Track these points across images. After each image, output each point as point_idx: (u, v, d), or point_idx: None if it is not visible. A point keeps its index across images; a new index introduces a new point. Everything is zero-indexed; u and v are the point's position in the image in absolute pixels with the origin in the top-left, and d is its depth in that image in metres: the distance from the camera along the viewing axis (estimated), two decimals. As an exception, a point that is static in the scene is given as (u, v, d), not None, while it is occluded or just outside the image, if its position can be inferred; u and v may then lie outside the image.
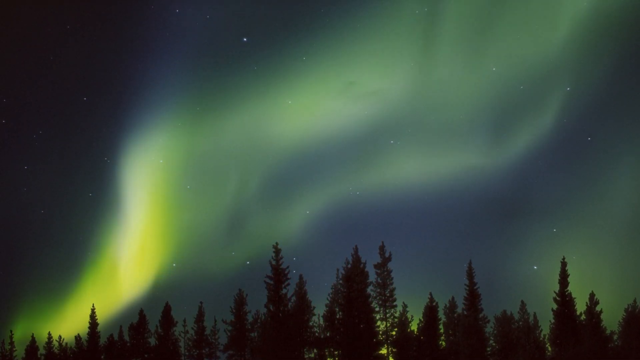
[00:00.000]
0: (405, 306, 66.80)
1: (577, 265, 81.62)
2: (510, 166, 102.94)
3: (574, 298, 64.16)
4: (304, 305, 64.35)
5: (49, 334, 77.96)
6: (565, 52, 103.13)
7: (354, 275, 63.40)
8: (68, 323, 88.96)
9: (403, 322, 66.11)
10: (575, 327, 63.40)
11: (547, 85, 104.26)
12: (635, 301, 67.66)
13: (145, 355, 70.80)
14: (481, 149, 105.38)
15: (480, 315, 66.75)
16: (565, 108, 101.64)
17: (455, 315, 68.83)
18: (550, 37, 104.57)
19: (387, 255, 65.71)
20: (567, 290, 64.09)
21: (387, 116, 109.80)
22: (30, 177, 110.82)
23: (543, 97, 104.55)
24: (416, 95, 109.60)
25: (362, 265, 63.99)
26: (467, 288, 67.22)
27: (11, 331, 77.26)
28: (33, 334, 78.65)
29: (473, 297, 66.89)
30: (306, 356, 65.00)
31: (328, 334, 64.14)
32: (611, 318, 67.29)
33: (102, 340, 73.26)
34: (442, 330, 67.69)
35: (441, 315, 68.14)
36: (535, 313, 69.52)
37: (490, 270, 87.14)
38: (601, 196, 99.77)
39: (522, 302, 69.82)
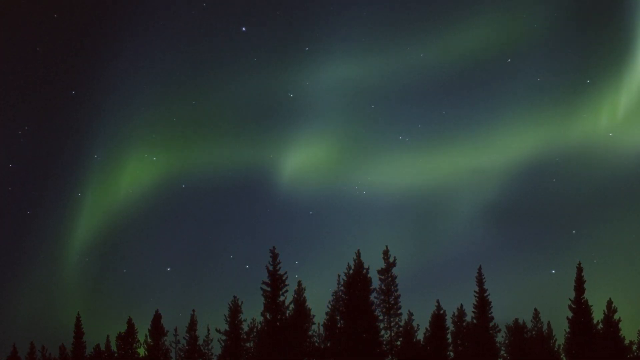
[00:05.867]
0: (410, 314, 66.64)
1: (597, 270, 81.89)
2: (525, 164, 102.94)
3: (591, 306, 64.01)
4: (303, 313, 64.28)
5: (32, 343, 78.53)
6: (585, 42, 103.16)
7: (356, 282, 63.37)
8: (52, 332, 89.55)
9: (408, 332, 65.89)
10: (591, 337, 63.19)
11: (565, 79, 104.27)
12: (656, 309, 67.78)
13: (134, 366, 71.13)
14: (493, 147, 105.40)
15: (491, 324, 66.56)
16: (584, 103, 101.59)
17: (464, 324, 68.62)
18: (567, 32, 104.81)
19: (391, 260, 65.51)
20: (584, 297, 63.83)
21: (395, 111, 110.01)
22: (16, 176, 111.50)
23: (561, 91, 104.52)
24: (426, 90, 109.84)
25: (364, 270, 63.82)
26: (477, 295, 66.98)
27: (-9, 340, 77.93)
28: (14, 343, 79.26)
29: (483, 304, 66.67)
30: (305, 367, 65.09)
31: (328, 344, 63.95)
32: (630, 327, 67.41)
33: (88, 351, 73.71)
34: (450, 340, 67.52)
35: (449, 324, 68.00)
36: (549, 322, 69.63)
37: (502, 276, 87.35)
38: (623, 195, 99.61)
39: (536, 310, 69.85)
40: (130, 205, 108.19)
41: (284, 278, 62.64)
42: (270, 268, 62.76)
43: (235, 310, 66.93)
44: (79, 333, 74.05)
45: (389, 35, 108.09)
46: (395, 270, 65.35)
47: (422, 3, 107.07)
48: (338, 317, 63.83)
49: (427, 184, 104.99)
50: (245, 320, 66.69)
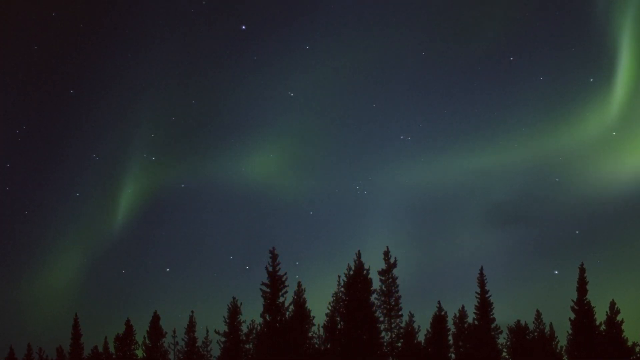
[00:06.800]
0: (411, 316, 66.50)
1: (600, 271, 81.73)
2: (528, 164, 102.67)
3: (594, 307, 63.98)
4: (302, 314, 64.14)
5: (29, 345, 78.39)
6: (591, 43, 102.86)
7: (356, 283, 63.28)
8: (49, 333, 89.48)
9: (409, 333, 65.84)
10: (594, 338, 63.15)
11: (568, 77, 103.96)
12: (659, 310, 67.66)
13: (132, 368, 71.04)
14: (495, 146, 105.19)
15: (493, 325, 66.56)
16: (587, 102, 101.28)
17: (466, 325, 68.33)
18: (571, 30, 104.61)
19: (392, 261, 65.41)
20: (586, 299, 63.82)
21: (396, 110, 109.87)
22: (13, 176, 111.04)
23: (564, 90, 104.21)
24: (427, 89, 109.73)
25: (365, 271, 63.73)
26: (478, 296, 66.96)
27: (-12, 343, 77.75)
28: (12, 345, 79.14)
29: (484, 306, 66.65)
30: (305, 369, 64.96)
31: (328, 346, 63.84)
32: (633, 328, 67.17)
33: (86, 352, 73.65)
34: (451, 342, 67.46)
35: (450, 325, 67.85)
36: (551, 323, 69.42)
37: (503, 276, 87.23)
38: (627, 195, 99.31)
39: (538, 311, 69.70)
40: (129, 205, 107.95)
41: (283, 279, 62.52)
42: (270, 269, 62.65)
43: (234, 312, 66.84)
44: (76, 334, 73.88)
45: (389, 34, 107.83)
46: (396, 271, 65.36)
47: (423, 2, 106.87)
48: (338, 319, 63.69)
49: (428, 184, 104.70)
50: (244, 322, 66.67)
